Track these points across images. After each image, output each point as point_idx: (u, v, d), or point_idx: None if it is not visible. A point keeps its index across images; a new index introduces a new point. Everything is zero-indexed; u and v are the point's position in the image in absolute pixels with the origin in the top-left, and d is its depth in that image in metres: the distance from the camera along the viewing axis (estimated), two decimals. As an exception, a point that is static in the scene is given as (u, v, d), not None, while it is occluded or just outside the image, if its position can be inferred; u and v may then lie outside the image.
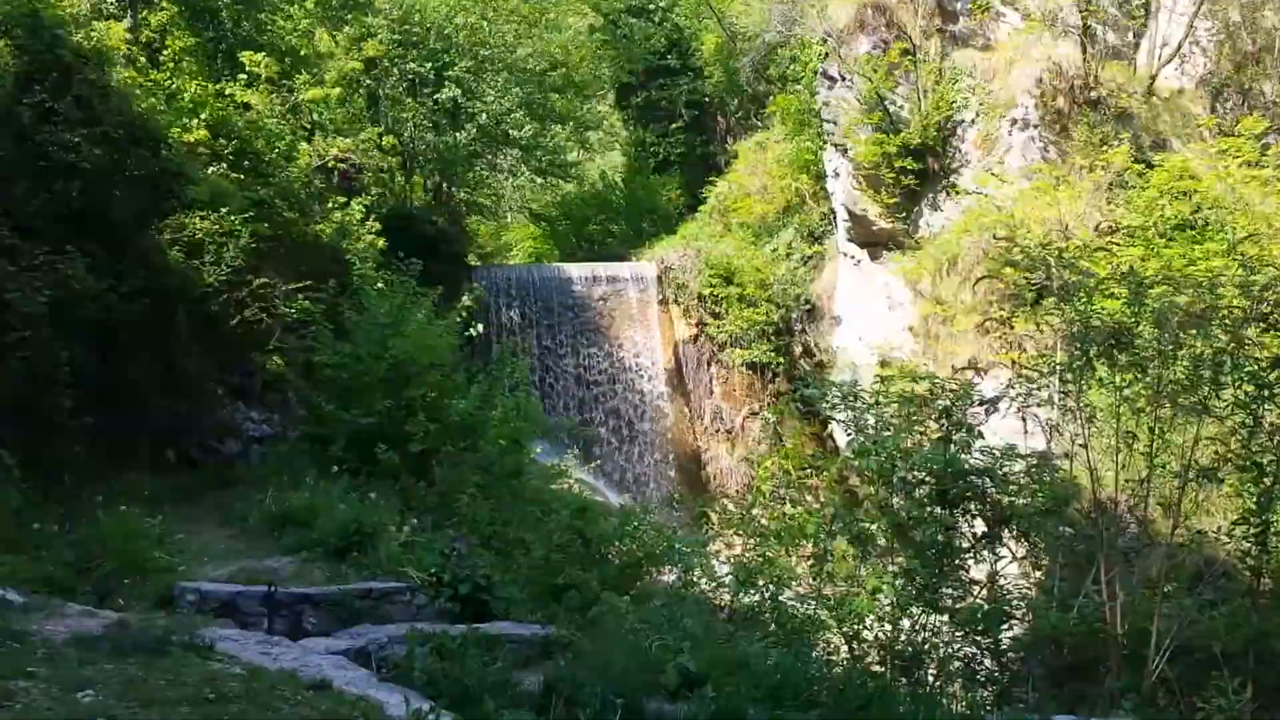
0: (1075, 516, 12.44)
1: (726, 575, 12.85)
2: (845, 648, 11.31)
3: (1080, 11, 22.39)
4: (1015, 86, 22.44)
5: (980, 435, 12.05)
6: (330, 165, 21.00)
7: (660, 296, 28.27)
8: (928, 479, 11.60)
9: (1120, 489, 11.89)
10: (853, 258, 25.77)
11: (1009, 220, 20.40)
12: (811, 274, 27.85)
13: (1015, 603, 11.60)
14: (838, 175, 25.31)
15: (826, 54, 24.84)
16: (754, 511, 13.82)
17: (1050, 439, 12.56)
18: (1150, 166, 20.27)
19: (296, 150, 18.91)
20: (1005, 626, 11.21)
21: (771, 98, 31.19)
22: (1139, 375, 11.62)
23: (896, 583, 11.34)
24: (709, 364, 27.91)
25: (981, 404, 12.64)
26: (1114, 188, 20.35)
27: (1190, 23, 22.15)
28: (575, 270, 28.81)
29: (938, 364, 20.24)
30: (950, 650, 11.13)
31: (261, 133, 18.31)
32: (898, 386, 12.77)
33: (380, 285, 17.58)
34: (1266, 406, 10.74)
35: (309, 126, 21.02)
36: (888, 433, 12.04)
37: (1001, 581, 11.90)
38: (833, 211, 26.77)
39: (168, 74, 18.05)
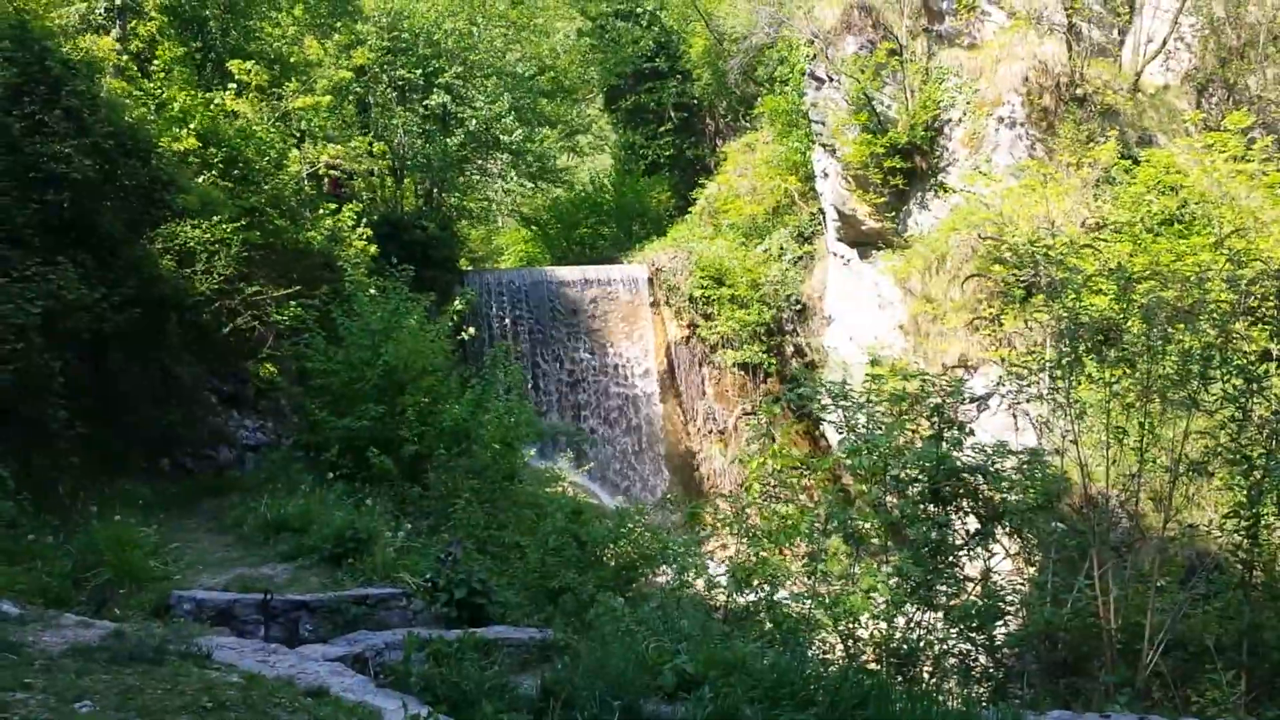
0: (1067, 512, 12.51)
1: (721, 575, 12.89)
2: (841, 646, 11.35)
3: (1065, 9, 22.51)
4: (1002, 85, 22.53)
5: (971, 432, 12.10)
6: (321, 172, 21.01)
7: (651, 298, 28.32)
8: (920, 477, 11.66)
9: (1111, 484, 11.95)
10: (842, 257, 25.84)
11: (997, 218, 20.50)
12: (802, 274, 27.92)
13: (1009, 599, 11.64)
14: (826, 175, 25.39)
15: (814, 55, 24.89)
16: (746, 511, 13.84)
17: (1041, 435, 12.63)
18: (1136, 162, 20.36)
19: (287, 158, 18.92)
20: (999, 623, 11.26)
21: (760, 99, 31.30)
22: (1128, 370, 11.68)
23: (891, 581, 11.38)
24: (701, 365, 27.98)
25: (972, 401, 12.69)
26: (1101, 184, 20.45)
27: (1175, 19, 22.26)
28: (566, 273, 28.88)
29: (928, 362, 20.32)
30: (945, 647, 11.18)
31: (251, 141, 18.31)
32: (889, 385, 12.82)
33: (372, 291, 17.60)
34: (1255, 400, 10.79)
35: (299, 133, 21.02)
36: (879, 431, 12.08)
37: (995, 578, 11.96)
38: (822, 211, 26.85)
39: (157, 84, 18.04)
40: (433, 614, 11.18)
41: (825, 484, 18.86)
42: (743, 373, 27.72)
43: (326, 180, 22.10)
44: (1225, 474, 11.32)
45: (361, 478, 14.94)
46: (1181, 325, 11.56)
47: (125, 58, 18.23)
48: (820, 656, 10.85)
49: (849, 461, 12.42)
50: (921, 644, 11.12)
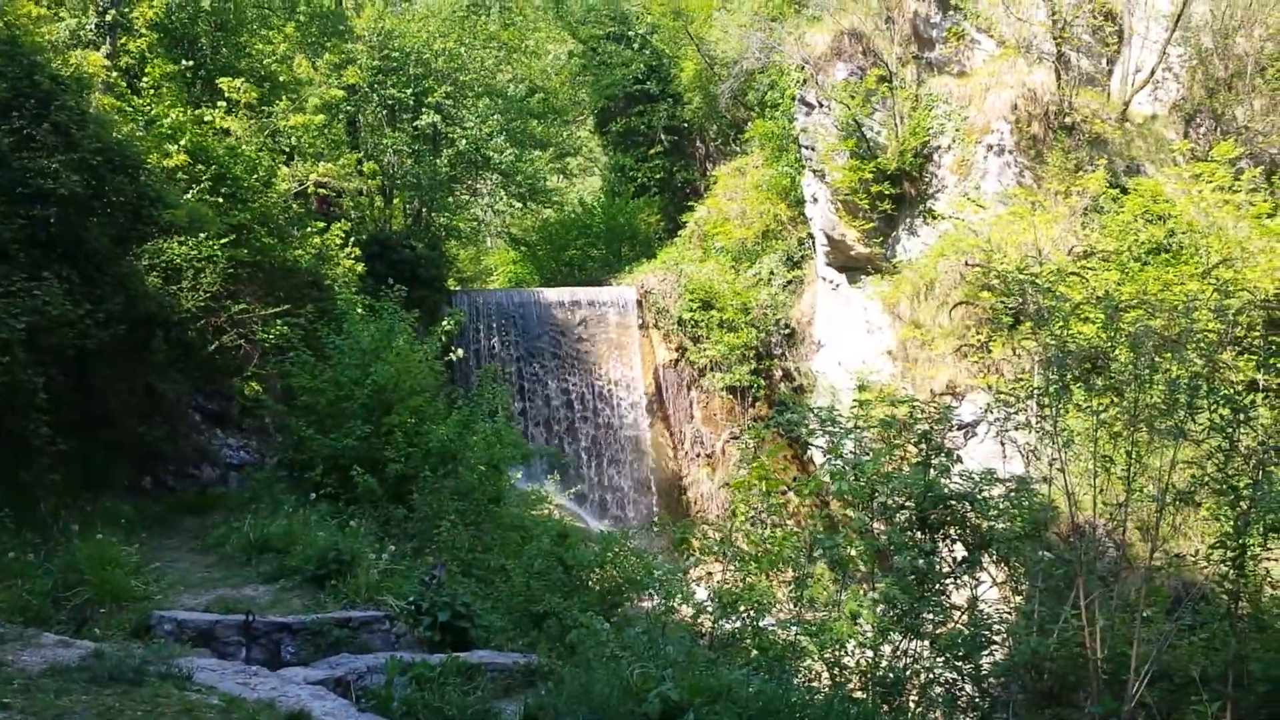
0: (1054, 540, 12.50)
1: (707, 602, 12.83)
2: (826, 674, 11.29)
3: (1054, 38, 22.65)
4: (990, 112, 22.65)
5: (959, 459, 12.08)
6: (310, 190, 21.00)
7: (640, 321, 28.30)
8: (907, 503, 11.62)
9: (1098, 513, 11.94)
10: (831, 282, 25.90)
11: (985, 245, 20.57)
12: (791, 298, 27.95)
13: (995, 628, 11.60)
14: (816, 200, 25.46)
15: (804, 80, 25.02)
16: (733, 535, 13.78)
17: (1028, 463, 12.60)
18: (1125, 191, 20.48)
19: (275, 175, 18.89)
20: (985, 651, 11.22)
21: (750, 124, 31.42)
22: (1115, 399, 11.69)
23: (877, 608, 11.34)
24: (689, 388, 27.93)
25: (960, 428, 12.69)
26: (1089, 212, 20.54)
27: (1163, 49, 22.42)
28: (555, 294, 28.83)
29: (916, 387, 20.32)
30: (931, 675, 11.13)
31: (240, 158, 18.29)
32: (877, 410, 12.80)
33: (360, 310, 17.55)
34: (1242, 430, 10.80)
35: (288, 150, 21.01)
36: (866, 457, 12.06)
37: (982, 606, 11.92)
38: (811, 236, 26.91)
39: (147, 100, 18.03)
40: (416, 637, 11.11)
41: (812, 509, 18.82)
42: (731, 396, 27.65)
43: (315, 198, 22.08)
44: (1212, 504, 11.31)
45: (346, 498, 14.86)
46: (1169, 354, 11.57)
47: (115, 74, 18.21)
48: (806, 684, 10.80)
49: (835, 487, 12.38)
50: (908, 672, 11.07)
